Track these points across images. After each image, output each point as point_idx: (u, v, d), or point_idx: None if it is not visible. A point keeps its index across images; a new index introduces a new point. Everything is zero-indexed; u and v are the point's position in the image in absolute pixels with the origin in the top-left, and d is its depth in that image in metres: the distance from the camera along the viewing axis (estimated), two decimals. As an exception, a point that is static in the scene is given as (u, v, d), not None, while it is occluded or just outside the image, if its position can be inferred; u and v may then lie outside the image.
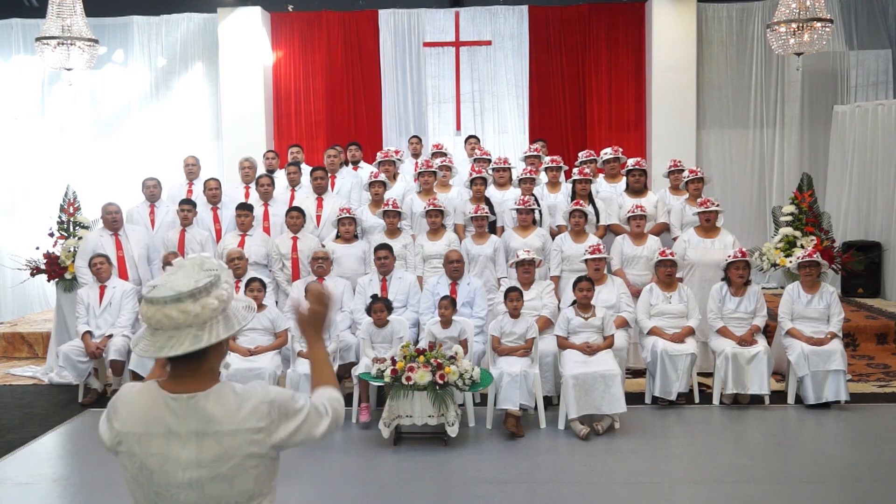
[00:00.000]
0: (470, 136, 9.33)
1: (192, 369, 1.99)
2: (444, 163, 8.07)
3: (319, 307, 2.23)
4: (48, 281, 7.61)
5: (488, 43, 10.86)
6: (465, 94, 10.90)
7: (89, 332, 6.69)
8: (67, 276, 7.41)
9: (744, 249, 6.56)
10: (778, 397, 6.29)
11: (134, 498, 2.03)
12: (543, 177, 7.98)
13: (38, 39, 7.96)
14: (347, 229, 7.08)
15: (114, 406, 2.03)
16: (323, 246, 7.10)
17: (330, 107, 10.95)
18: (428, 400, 5.26)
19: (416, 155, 9.02)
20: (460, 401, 5.71)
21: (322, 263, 6.59)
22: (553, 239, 7.19)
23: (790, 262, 6.89)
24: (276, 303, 6.98)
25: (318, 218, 7.62)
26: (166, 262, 6.71)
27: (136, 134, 10.99)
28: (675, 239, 7.32)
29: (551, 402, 6.06)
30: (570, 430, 5.59)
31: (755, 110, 10.89)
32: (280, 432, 2.01)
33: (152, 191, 7.76)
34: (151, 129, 10.97)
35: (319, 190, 7.73)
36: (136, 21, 10.98)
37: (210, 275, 1.98)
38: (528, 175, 7.49)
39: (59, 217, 7.77)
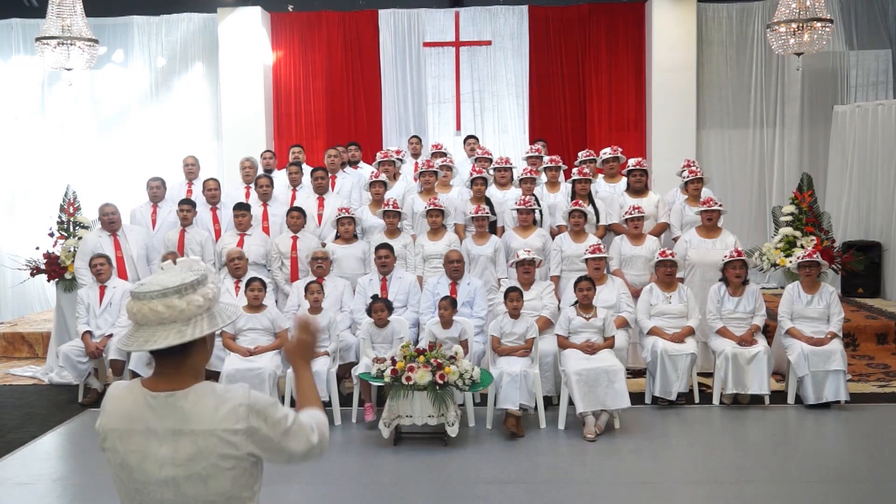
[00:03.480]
0: (469, 137, 9.32)
1: (175, 366, 2.01)
2: (445, 163, 8.07)
3: (307, 336, 2.25)
4: (48, 281, 7.61)
5: (488, 43, 10.85)
6: (465, 94, 10.89)
7: (89, 332, 6.69)
8: (67, 276, 7.40)
9: (739, 249, 6.56)
10: (778, 397, 6.29)
11: (119, 494, 2.08)
12: (544, 177, 7.99)
13: (38, 39, 7.94)
14: (347, 229, 7.08)
15: (103, 404, 2.09)
16: (323, 246, 7.10)
17: (330, 107, 10.94)
18: (428, 400, 5.26)
19: (416, 155, 9.02)
20: (460, 401, 5.71)
21: (321, 264, 6.59)
22: (553, 239, 7.19)
23: (790, 262, 6.89)
24: (276, 302, 6.98)
25: (320, 217, 7.64)
26: (165, 262, 6.71)
27: (136, 134, 10.98)
28: (675, 239, 7.32)
29: (551, 402, 6.06)
30: (571, 431, 5.59)
31: (755, 110, 10.88)
32: (258, 437, 1.98)
33: (155, 191, 7.76)
34: (151, 129, 10.96)
35: (320, 190, 7.74)
36: (136, 21, 10.97)
37: (197, 273, 2.03)
38: (529, 175, 7.50)
39: (59, 217, 7.77)
